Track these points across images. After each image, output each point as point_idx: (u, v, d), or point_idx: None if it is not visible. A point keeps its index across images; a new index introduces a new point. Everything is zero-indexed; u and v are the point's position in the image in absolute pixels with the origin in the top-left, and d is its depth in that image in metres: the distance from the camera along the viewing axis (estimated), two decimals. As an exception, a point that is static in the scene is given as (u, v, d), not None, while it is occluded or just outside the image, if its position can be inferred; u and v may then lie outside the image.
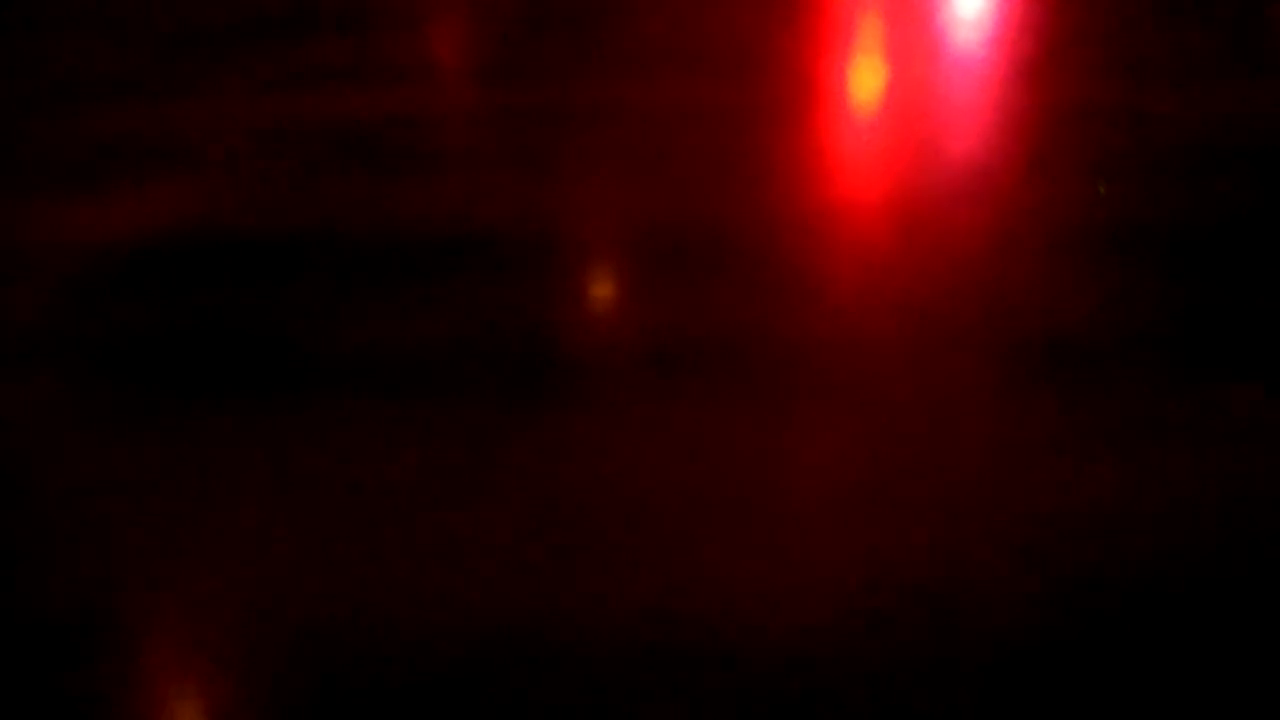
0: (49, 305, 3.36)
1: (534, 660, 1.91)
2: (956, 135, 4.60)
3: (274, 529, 2.28)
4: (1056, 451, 2.43)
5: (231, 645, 1.97)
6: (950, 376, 2.75)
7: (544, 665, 1.90)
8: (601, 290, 3.31)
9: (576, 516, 2.28)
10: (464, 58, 6.36)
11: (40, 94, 5.89)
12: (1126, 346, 2.87)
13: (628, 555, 2.15)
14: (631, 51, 6.31)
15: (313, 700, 1.84)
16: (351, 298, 3.31)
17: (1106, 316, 3.03)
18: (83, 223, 4.01)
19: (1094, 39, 6.25)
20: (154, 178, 4.46)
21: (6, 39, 7.45)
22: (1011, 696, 1.80)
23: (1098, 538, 2.15)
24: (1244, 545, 2.12)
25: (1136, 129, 4.62)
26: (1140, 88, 5.23)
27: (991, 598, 2.01)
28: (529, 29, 7.05)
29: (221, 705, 1.84)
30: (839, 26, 6.80)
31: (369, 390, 2.79)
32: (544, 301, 3.24)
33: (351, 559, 2.18)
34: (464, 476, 2.42)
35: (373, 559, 2.17)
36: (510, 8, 7.79)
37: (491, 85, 5.72)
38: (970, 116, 4.85)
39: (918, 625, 1.95)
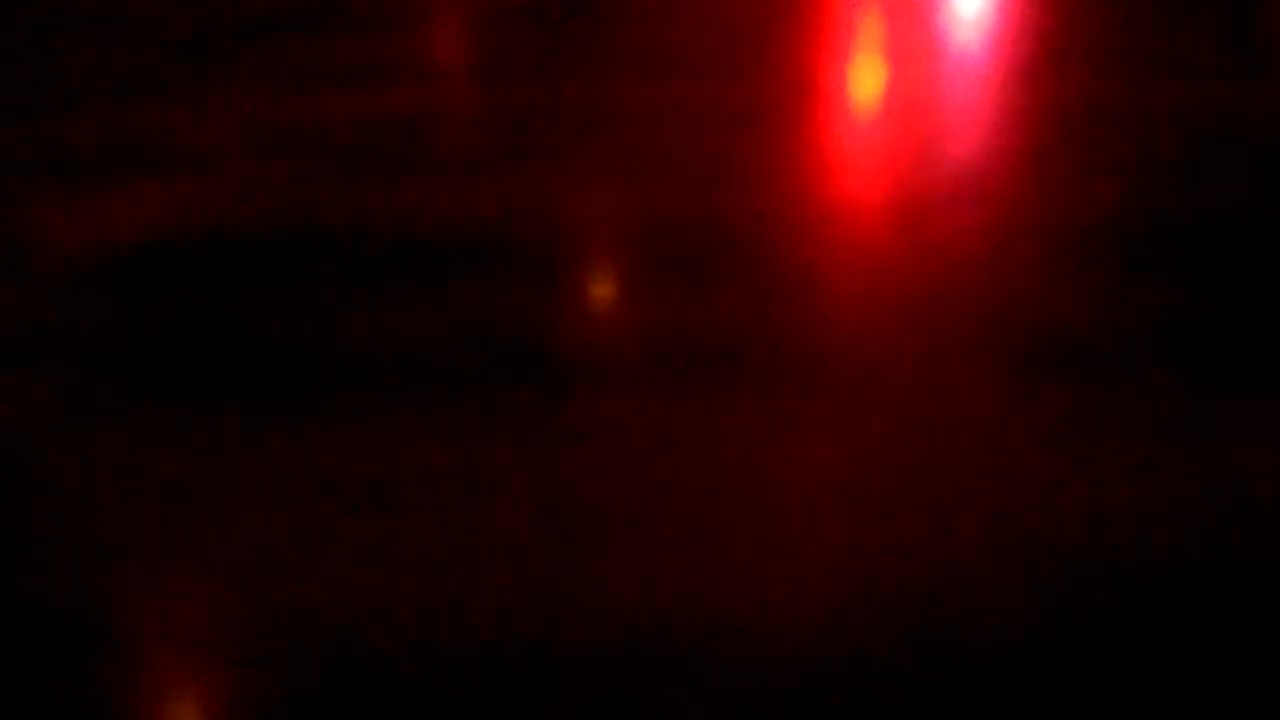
0: (50, 304, 3.36)
1: (535, 661, 1.91)
2: (956, 135, 4.60)
3: (274, 529, 2.28)
4: (1057, 452, 2.43)
5: (232, 647, 1.97)
6: (950, 376, 2.75)
7: (544, 666, 1.90)
8: (602, 291, 3.31)
9: (578, 518, 2.28)
10: (466, 58, 6.36)
11: (44, 94, 5.89)
12: (1127, 347, 2.87)
13: (629, 556, 2.16)
14: (632, 52, 6.31)
15: (314, 704, 1.84)
16: (354, 298, 3.31)
17: (1106, 317, 3.03)
18: (86, 222, 4.01)
19: (1094, 39, 6.25)
20: (157, 178, 4.46)
21: (11, 39, 7.46)
22: (1009, 696, 1.80)
23: (1096, 538, 2.15)
24: (1243, 546, 2.12)
25: (1136, 129, 4.62)
26: (1140, 87, 5.23)
27: (989, 597, 2.01)
28: (531, 30, 7.06)
29: (222, 706, 1.84)
30: (840, 27, 6.81)
31: (370, 391, 2.79)
32: (546, 303, 3.24)
33: (352, 561, 2.18)
34: (466, 479, 2.42)
35: (373, 561, 2.17)
36: (512, 8, 7.79)
37: (494, 86, 5.72)
38: (970, 116, 4.85)
39: (916, 624, 1.95)
